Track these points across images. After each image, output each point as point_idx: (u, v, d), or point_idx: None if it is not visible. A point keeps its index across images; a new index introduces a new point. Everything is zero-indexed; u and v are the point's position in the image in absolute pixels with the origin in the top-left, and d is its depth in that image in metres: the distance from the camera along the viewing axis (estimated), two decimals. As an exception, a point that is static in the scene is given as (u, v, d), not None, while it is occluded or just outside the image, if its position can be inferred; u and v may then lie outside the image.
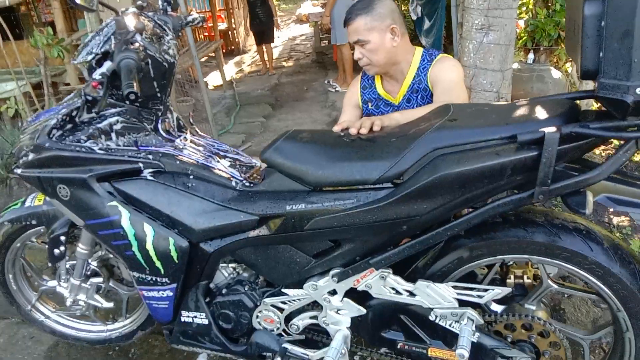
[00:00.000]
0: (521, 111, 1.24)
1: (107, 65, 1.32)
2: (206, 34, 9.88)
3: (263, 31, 7.48)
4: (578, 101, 1.30)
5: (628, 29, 0.94)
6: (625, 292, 1.26)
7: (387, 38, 1.73)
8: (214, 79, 7.60)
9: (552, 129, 1.09)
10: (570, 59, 3.81)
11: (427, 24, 6.36)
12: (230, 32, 9.91)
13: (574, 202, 1.16)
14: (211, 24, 9.53)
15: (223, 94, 6.72)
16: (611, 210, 2.64)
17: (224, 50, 9.01)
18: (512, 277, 1.46)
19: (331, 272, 1.38)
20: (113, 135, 1.44)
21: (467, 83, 3.06)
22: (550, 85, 3.99)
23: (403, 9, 9.07)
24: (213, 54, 7.13)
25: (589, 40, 1.01)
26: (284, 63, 8.48)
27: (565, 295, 2.10)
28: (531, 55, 4.22)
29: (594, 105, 3.45)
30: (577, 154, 1.18)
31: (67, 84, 4.62)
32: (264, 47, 7.75)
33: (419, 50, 1.84)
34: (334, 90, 6.26)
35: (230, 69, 8.41)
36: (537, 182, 1.13)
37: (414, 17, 7.23)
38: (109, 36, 1.38)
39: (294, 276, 1.44)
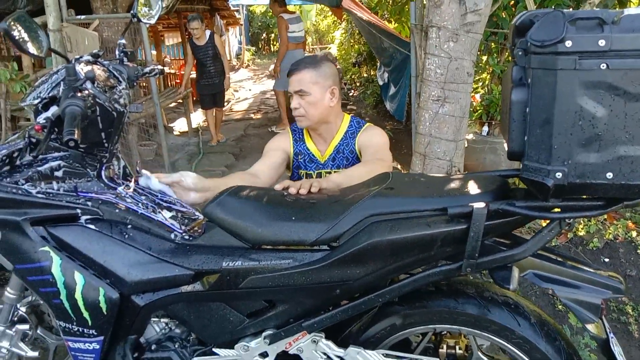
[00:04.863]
0: (454, 185, 1.28)
1: (53, 109, 1.32)
2: (177, 81, 9.96)
3: (215, 94, 6.15)
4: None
5: (549, 117, 0.99)
6: (550, 368, 1.28)
7: (327, 97, 1.86)
8: (181, 125, 7.60)
9: (481, 204, 1.13)
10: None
11: (392, 90, 6.63)
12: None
13: (500, 277, 1.19)
14: (183, 72, 9.62)
15: (188, 140, 6.71)
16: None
17: (194, 98, 9.08)
18: (444, 346, 1.46)
19: (264, 334, 1.36)
20: (53, 179, 1.42)
21: (422, 150, 3.17)
22: (502, 157, 4.16)
23: (372, 73, 9.44)
24: (182, 101, 7.18)
25: (516, 124, 1.06)
26: (252, 115, 8.58)
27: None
28: (485, 128, 4.42)
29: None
30: (505, 229, 1.22)
31: (28, 119, 4.56)
32: (214, 112, 6.34)
33: (348, 117, 1.99)
34: None
35: (199, 117, 8.44)
36: (465, 255, 1.16)
37: (381, 83, 7.54)
38: (58, 82, 1.39)
39: (226, 335, 1.40)
